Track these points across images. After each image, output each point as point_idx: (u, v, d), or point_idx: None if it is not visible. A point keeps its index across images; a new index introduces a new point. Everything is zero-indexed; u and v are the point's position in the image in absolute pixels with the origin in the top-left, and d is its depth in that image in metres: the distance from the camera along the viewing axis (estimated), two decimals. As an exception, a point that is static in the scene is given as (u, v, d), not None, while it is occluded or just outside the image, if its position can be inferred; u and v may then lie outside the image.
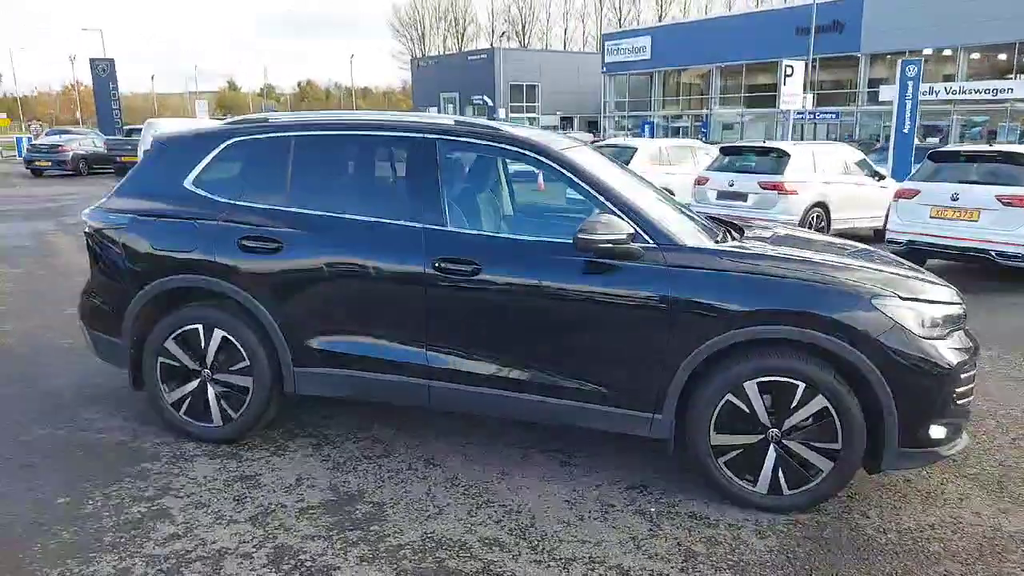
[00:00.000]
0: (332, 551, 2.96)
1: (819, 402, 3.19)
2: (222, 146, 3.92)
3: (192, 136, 4.09)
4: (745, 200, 10.93)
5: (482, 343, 3.55)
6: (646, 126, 46.74)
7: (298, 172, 3.80)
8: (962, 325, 3.42)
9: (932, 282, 3.48)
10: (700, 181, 11.67)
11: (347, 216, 3.67)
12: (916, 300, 3.24)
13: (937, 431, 3.23)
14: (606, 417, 3.45)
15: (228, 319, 3.77)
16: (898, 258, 3.99)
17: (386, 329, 3.63)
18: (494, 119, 44.26)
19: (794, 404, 3.22)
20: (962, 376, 3.25)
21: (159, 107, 76.06)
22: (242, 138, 3.93)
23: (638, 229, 3.36)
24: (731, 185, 11.14)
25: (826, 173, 11.12)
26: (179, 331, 3.83)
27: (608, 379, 3.41)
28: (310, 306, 3.69)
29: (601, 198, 3.46)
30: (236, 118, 4.30)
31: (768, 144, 11.72)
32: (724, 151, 12.02)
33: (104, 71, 50.51)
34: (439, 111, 62.83)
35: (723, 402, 3.27)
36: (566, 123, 59.35)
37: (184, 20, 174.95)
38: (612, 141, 14.30)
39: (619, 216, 3.37)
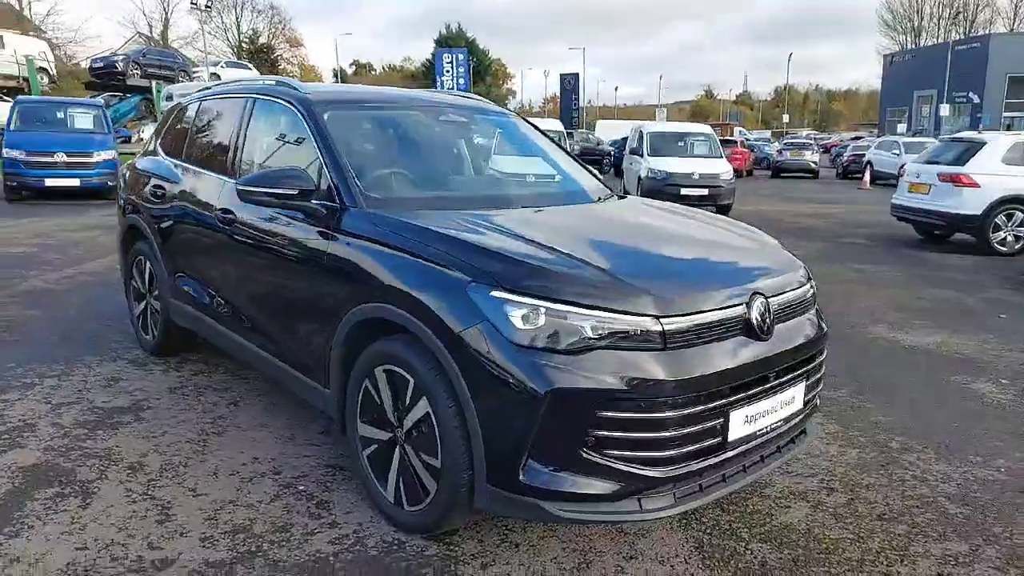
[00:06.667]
0: (51, 438, 3.51)
1: (424, 405, 2.60)
2: (176, 112, 4.73)
3: (171, 106, 5.00)
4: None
5: (234, 291, 3.70)
6: None
7: (193, 131, 4.39)
8: (656, 344, 2.36)
9: (605, 282, 2.45)
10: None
11: (197, 168, 4.13)
12: (532, 296, 2.36)
13: (538, 478, 2.34)
14: (295, 381, 3.30)
15: (151, 253, 4.56)
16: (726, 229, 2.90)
17: (204, 272, 4.00)
18: (979, 118, 36.50)
19: (407, 403, 2.68)
20: (607, 414, 2.29)
21: (618, 113, 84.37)
22: (185, 104, 4.66)
23: (335, 189, 3.11)
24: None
25: None
26: (135, 260, 4.77)
27: (292, 339, 3.28)
28: (175, 246, 4.26)
29: (321, 156, 3.25)
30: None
31: None
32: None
33: (569, 84, 57.46)
34: (911, 111, 55.61)
35: (363, 388, 2.88)
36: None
37: (666, 36, 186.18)
38: (957, 135, 11.27)
39: (325, 173, 3.16)
